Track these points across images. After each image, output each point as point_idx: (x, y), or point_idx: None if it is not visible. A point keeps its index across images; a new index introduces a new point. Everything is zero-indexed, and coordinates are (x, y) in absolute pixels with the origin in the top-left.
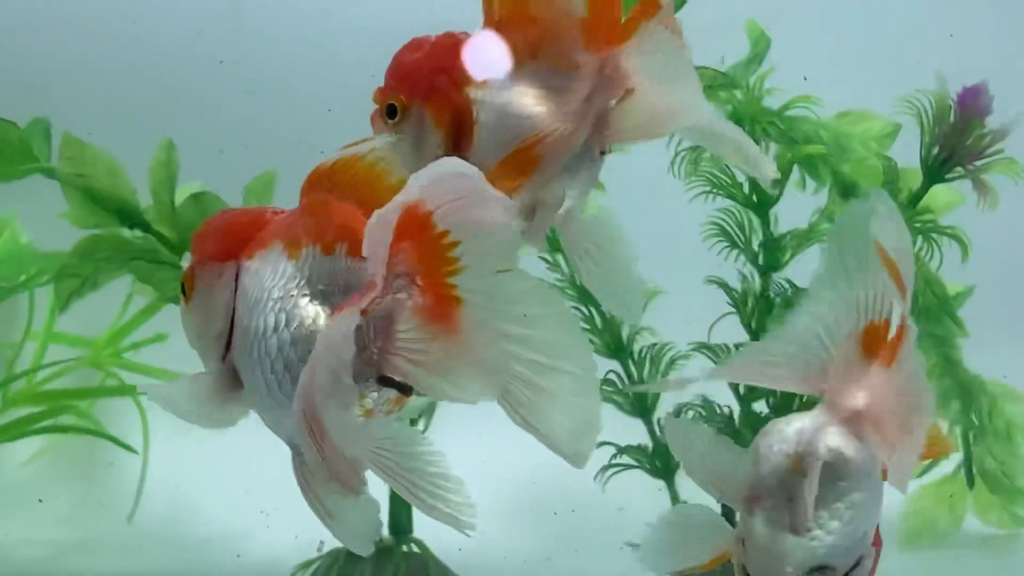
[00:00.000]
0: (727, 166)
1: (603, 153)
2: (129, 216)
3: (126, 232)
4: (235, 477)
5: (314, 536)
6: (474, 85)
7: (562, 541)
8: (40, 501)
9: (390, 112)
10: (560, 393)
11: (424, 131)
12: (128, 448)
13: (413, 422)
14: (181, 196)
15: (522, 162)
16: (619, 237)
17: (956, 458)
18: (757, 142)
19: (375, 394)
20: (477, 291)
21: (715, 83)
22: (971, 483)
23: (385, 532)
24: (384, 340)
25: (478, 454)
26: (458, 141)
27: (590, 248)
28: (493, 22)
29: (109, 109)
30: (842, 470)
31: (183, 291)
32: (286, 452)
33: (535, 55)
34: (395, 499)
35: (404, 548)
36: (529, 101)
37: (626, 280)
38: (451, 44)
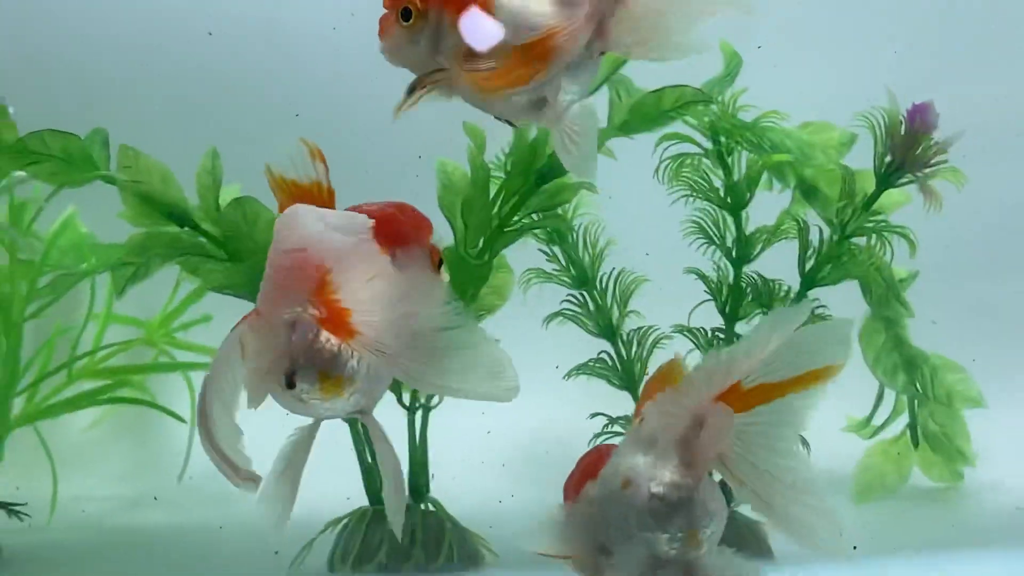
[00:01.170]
0: (706, 172)
1: (602, 54)
2: (179, 217)
3: (176, 230)
4: (275, 442)
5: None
6: None
7: (556, 501)
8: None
9: (405, 15)
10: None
11: (442, 33)
12: (177, 417)
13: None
14: (225, 198)
15: (539, 52)
16: (594, 119)
17: (903, 420)
18: (732, 151)
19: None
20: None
21: (694, 99)
22: (916, 443)
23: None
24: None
25: (484, 422)
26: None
27: (570, 130)
28: None
29: (157, 120)
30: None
31: None
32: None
33: None
34: (413, 465)
35: (422, 507)
36: (541, 5)
37: (588, 146)
38: None
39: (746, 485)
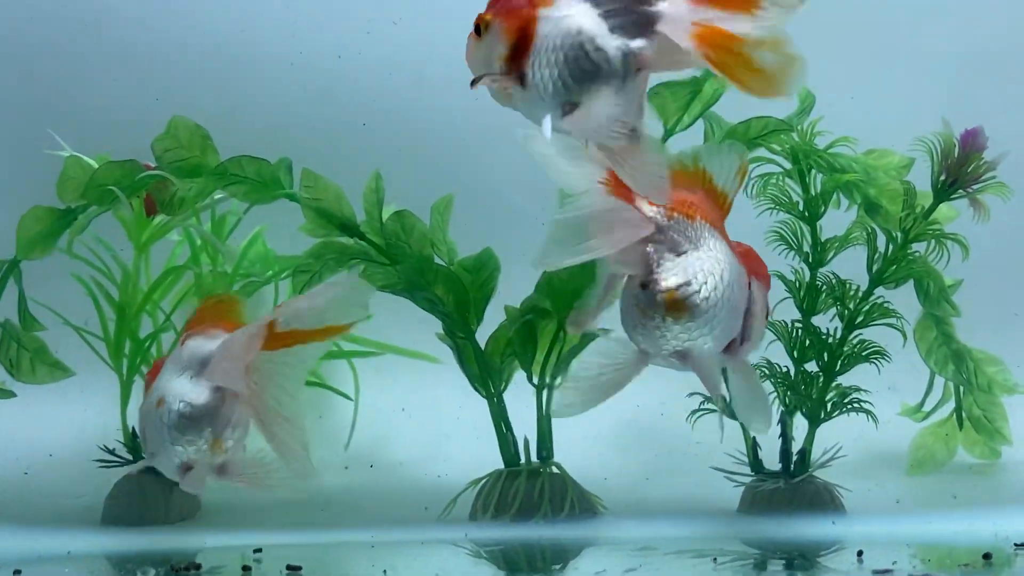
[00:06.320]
0: (787, 189)
1: (639, 70)
2: (349, 229)
3: (346, 240)
4: (422, 417)
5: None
6: (543, 5)
7: (657, 466)
8: None
9: (476, 29)
10: None
11: (495, 42)
12: (344, 396)
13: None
14: (386, 213)
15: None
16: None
17: (950, 406)
18: (809, 171)
19: None
20: None
21: (777, 128)
22: (961, 425)
23: (533, 457)
24: None
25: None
26: (521, 51)
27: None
28: None
29: (331, 151)
30: None
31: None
32: (461, 398)
33: None
34: (541, 432)
35: (547, 470)
36: (585, 20)
37: (650, 173)
38: None
39: (258, 413)
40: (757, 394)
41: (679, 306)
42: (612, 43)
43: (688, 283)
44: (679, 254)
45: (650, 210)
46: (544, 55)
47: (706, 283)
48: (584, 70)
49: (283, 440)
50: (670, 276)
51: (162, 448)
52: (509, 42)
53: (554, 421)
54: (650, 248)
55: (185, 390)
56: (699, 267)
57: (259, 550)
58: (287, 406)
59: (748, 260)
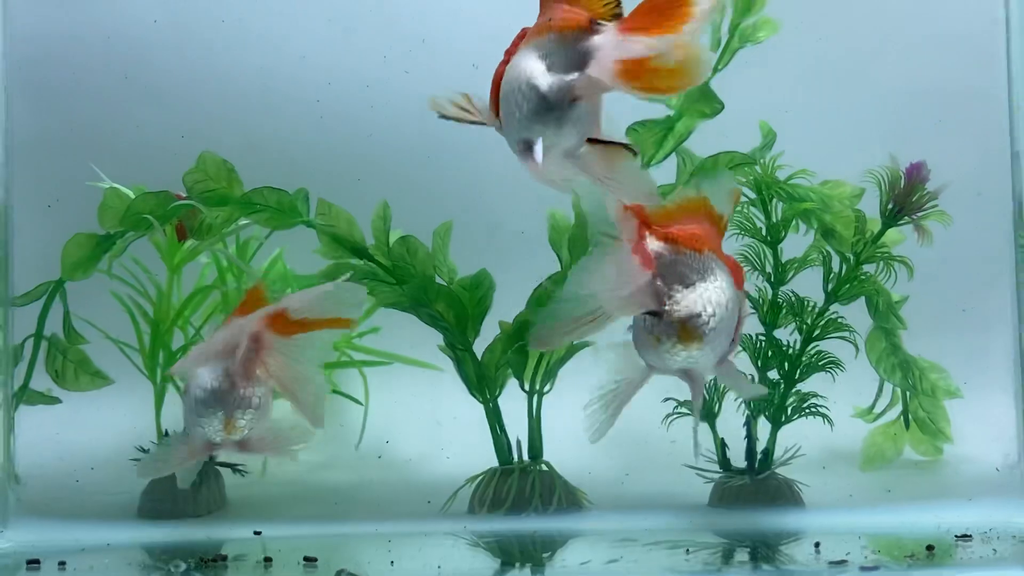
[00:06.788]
0: (751, 216)
1: (573, 100)
2: (359, 252)
3: (357, 262)
4: (423, 419)
5: (481, 460)
6: (507, 63)
7: (636, 464)
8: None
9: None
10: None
11: (492, 96)
12: (356, 401)
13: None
14: (393, 238)
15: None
16: (627, 162)
17: (898, 409)
18: (771, 200)
19: None
20: None
21: (742, 162)
22: (908, 425)
23: (525, 456)
24: None
25: (579, 405)
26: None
27: (605, 172)
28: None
29: (343, 182)
30: None
31: None
32: (460, 403)
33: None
34: (531, 434)
35: (537, 467)
36: (527, 65)
37: (638, 182)
38: (517, 38)
39: (283, 386)
40: (744, 380)
41: (690, 336)
42: (547, 80)
43: (699, 315)
44: (687, 286)
45: (660, 246)
46: (504, 101)
47: (713, 314)
48: (529, 108)
49: (301, 400)
50: (682, 308)
51: (191, 426)
52: (493, 95)
53: (543, 424)
54: (659, 282)
55: (201, 376)
56: (707, 298)
57: (259, 532)
58: (309, 381)
59: (734, 273)
